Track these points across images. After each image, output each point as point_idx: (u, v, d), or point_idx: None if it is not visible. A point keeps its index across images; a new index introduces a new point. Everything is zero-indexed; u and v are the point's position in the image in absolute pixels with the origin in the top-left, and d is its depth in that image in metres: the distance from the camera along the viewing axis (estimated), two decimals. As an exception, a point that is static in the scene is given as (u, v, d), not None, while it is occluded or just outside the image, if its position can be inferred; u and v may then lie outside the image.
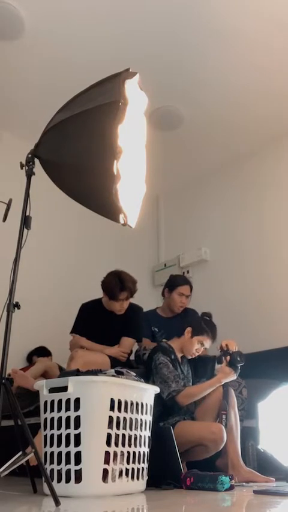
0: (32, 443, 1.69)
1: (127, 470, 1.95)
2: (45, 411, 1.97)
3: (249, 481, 2.43)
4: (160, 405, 2.55)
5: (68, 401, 1.88)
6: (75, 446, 1.83)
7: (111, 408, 1.90)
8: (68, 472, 1.83)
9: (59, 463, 1.86)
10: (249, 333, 3.87)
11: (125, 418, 1.97)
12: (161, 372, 2.61)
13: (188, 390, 2.57)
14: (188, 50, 3.32)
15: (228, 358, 2.57)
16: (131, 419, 2.00)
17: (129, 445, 1.99)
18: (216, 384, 2.57)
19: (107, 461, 1.86)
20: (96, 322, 3.13)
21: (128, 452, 1.97)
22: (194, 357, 2.79)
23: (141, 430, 2.06)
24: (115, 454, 1.90)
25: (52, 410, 1.93)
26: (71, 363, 2.73)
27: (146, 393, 2.14)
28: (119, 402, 1.94)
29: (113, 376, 2.06)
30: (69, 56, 3.36)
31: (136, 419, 2.03)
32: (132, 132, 1.97)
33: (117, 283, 2.99)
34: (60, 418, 1.90)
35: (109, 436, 1.88)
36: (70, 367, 2.66)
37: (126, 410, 1.97)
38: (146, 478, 2.08)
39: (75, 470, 1.81)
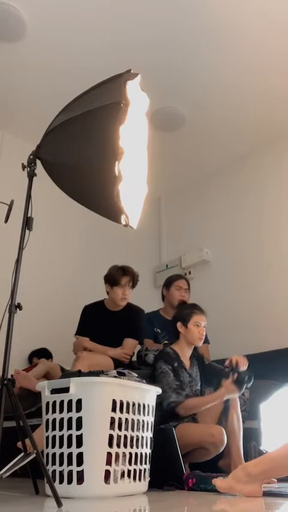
0: (34, 445, 1.69)
1: (129, 471, 1.95)
2: (47, 412, 1.97)
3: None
4: (163, 409, 2.56)
5: (70, 402, 1.88)
6: (77, 447, 1.83)
7: (113, 409, 1.90)
8: (70, 473, 1.82)
9: (61, 464, 1.86)
10: (250, 333, 3.87)
11: (126, 419, 1.97)
12: (162, 382, 2.61)
13: (188, 403, 2.54)
14: (189, 51, 3.32)
15: (236, 375, 2.47)
16: (133, 420, 2.00)
17: (131, 446, 1.98)
18: (217, 399, 2.50)
19: (109, 463, 1.86)
20: (98, 324, 3.14)
21: (130, 454, 1.97)
22: (202, 339, 2.81)
23: (143, 431, 2.06)
24: (117, 455, 1.90)
25: (54, 411, 1.93)
26: (76, 364, 2.74)
27: (148, 394, 2.13)
28: (121, 403, 1.94)
29: (115, 377, 2.06)
30: (70, 58, 3.37)
31: (138, 420, 2.03)
32: (134, 133, 1.97)
33: (118, 269, 3.14)
34: (62, 419, 1.89)
35: (111, 437, 1.88)
36: (75, 369, 2.67)
37: (128, 412, 1.97)
38: (148, 479, 2.08)
39: (77, 472, 1.81)
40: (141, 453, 2.03)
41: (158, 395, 2.43)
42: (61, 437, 1.88)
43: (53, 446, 1.91)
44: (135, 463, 1.99)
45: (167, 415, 2.57)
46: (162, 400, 2.54)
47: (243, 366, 2.55)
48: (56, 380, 2.15)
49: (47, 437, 1.95)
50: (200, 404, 2.53)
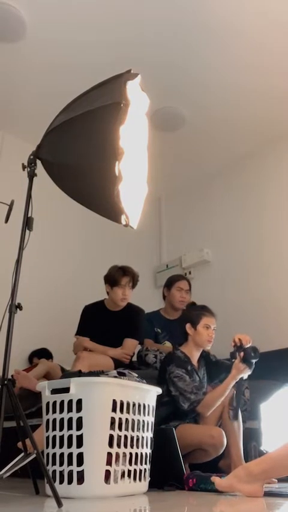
0: (35, 445, 1.69)
1: (129, 471, 1.95)
2: (47, 412, 1.97)
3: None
4: (165, 409, 2.56)
5: (70, 402, 1.88)
6: (77, 448, 1.83)
7: (114, 409, 1.90)
8: (70, 473, 1.82)
9: (61, 464, 1.86)
10: (251, 333, 3.83)
11: (127, 419, 1.97)
12: (177, 385, 2.60)
13: (207, 399, 2.52)
14: (189, 50, 3.32)
15: (242, 354, 2.48)
16: (133, 420, 2.00)
17: (132, 446, 1.98)
18: (231, 382, 2.49)
19: (109, 463, 1.86)
20: (99, 324, 3.14)
21: (130, 454, 1.97)
22: (211, 342, 2.79)
23: (143, 431, 2.06)
24: (117, 455, 1.90)
25: (54, 411, 1.93)
26: (76, 364, 2.74)
27: (148, 394, 2.13)
28: (121, 403, 1.94)
29: (115, 377, 2.06)
30: (71, 58, 3.37)
31: (138, 420, 2.03)
32: (134, 133, 1.97)
33: (118, 269, 3.14)
34: (62, 419, 1.89)
35: (111, 437, 1.88)
36: (76, 369, 2.67)
37: (128, 412, 1.97)
38: (148, 479, 2.08)
39: (78, 472, 1.81)
40: (141, 453, 2.03)
41: (175, 399, 2.48)
42: (61, 437, 1.88)
43: (53, 446, 1.91)
44: (136, 463, 1.99)
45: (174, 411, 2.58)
46: (183, 401, 2.55)
47: (248, 343, 2.54)
48: (56, 380, 2.15)
49: (47, 438, 1.95)
50: (217, 395, 2.51)
